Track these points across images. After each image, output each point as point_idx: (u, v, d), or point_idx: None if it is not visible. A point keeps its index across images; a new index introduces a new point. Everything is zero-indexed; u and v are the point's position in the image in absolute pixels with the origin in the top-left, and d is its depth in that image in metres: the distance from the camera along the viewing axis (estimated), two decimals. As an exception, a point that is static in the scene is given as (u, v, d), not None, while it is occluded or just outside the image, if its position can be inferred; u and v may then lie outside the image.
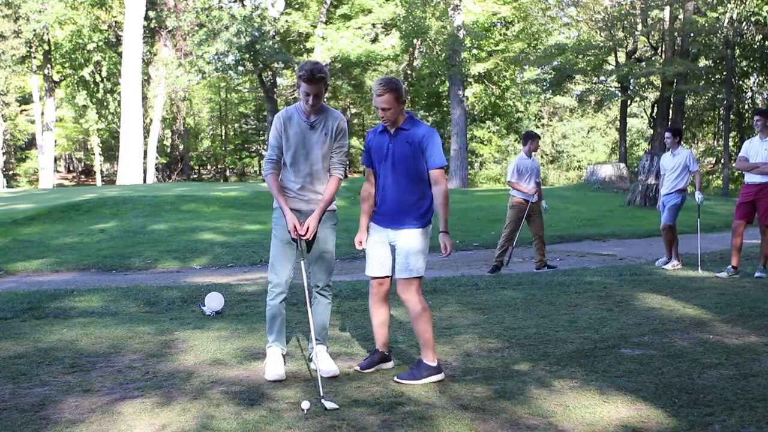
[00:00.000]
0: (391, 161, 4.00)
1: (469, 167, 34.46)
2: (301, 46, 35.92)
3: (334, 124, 4.09)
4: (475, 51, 31.10)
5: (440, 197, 3.95)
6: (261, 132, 45.09)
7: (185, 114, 42.60)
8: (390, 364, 4.20)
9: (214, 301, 5.93)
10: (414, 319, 4.03)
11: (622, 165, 25.05)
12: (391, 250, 4.10)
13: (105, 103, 35.89)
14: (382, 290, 4.14)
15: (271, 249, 4.20)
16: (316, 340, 4.19)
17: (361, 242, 4.16)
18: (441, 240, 3.96)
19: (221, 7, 34.77)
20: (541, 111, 44.76)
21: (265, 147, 35.91)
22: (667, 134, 8.85)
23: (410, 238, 3.98)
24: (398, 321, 5.58)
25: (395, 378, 3.95)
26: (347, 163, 4.29)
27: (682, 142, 8.91)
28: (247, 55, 32.96)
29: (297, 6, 35.61)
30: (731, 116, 31.07)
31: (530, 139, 8.98)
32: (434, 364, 3.94)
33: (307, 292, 4.13)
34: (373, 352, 4.22)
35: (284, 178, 4.14)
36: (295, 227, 3.99)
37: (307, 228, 4.01)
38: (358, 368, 4.10)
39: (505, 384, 3.86)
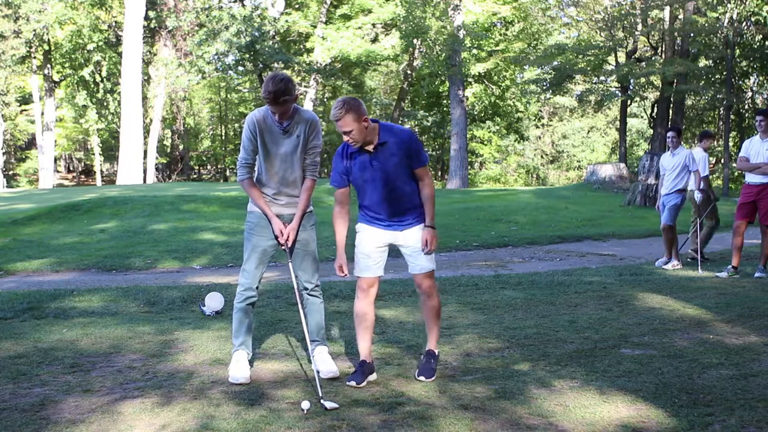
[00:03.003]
0: (382, 176, 3.87)
1: (469, 167, 34.46)
2: (301, 46, 35.90)
3: (307, 126, 4.02)
4: (475, 51, 31.08)
5: (427, 191, 3.95)
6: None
7: (185, 114, 42.60)
8: (374, 376, 4.00)
9: (214, 301, 5.93)
10: (436, 312, 4.09)
11: (622, 165, 25.03)
12: (388, 253, 4.08)
13: (105, 103, 35.88)
14: (372, 292, 4.05)
15: (244, 253, 4.14)
16: (316, 341, 4.19)
17: (342, 269, 3.96)
18: (424, 235, 3.94)
19: (221, 7, 34.74)
20: (541, 111, 44.76)
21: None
22: (671, 133, 8.84)
23: (420, 234, 3.98)
24: (398, 321, 5.58)
25: (418, 377, 3.93)
26: (319, 163, 4.23)
27: (681, 142, 8.93)
28: (247, 55, 32.94)
29: (297, 6, 35.59)
30: (731, 116, 31.05)
31: (707, 137, 9.66)
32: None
33: (297, 295, 4.13)
34: (361, 364, 3.98)
35: (258, 181, 4.11)
36: (281, 232, 4.00)
37: (288, 236, 4.01)
38: (354, 384, 3.85)
39: (505, 384, 3.86)
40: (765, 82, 33.99)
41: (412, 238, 3.99)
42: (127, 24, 30.31)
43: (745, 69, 32.59)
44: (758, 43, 30.18)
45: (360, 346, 4.04)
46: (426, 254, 3.98)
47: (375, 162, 3.87)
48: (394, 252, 4.15)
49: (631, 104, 35.51)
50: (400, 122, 37.13)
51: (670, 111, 30.50)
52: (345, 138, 3.81)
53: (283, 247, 4.06)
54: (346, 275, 3.96)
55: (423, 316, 4.20)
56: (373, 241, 4.02)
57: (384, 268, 4.10)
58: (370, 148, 3.86)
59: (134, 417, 3.39)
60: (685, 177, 8.68)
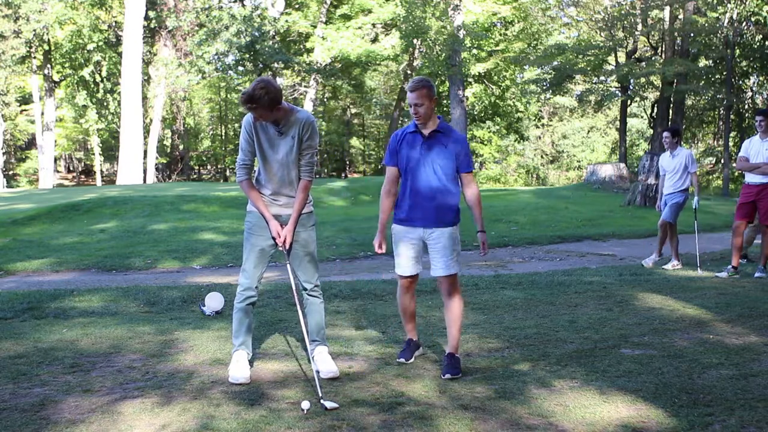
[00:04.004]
0: (429, 162, 4.11)
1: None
2: (301, 46, 35.92)
3: (301, 127, 4.00)
4: (475, 51, 31.07)
5: (475, 198, 4.19)
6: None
7: (185, 114, 42.56)
8: (421, 350, 4.51)
9: (214, 301, 5.93)
10: (458, 316, 4.24)
11: (622, 165, 25.02)
12: (423, 249, 4.25)
13: (105, 103, 35.85)
14: (413, 287, 4.36)
15: (244, 252, 4.15)
16: (316, 341, 4.19)
17: (381, 245, 4.26)
18: (480, 238, 4.21)
19: (221, 7, 34.74)
20: (541, 111, 44.74)
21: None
22: (665, 134, 8.78)
23: (450, 236, 4.17)
24: (399, 321, 5.57)
25: (445, 377, 3.99)
26: (316, 163, 4.23)
27: (681, 143, 8.86)
28: (247, 55, 32.95)
29: (297, 6, 35.60)
30: (731, 116, 31.05)
31: None
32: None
33: (296, 295, 4.13)
34: (408, 342, 4.43)
35: (257, 182, 4.12)
36: (278, 233, 4.00)
37: (284, 238, 4.00)
38: (403, 360, 4.28)
39: (505, 384, 3.86)
40: (765, 82, 33.98)
41: (443, 238, 4.15)
42: (127, 24, 30.30)
43: (745, 69, 32.58)
44: (758, 43, 30.16)
45: (406, 328, 4.48)
46: (482, 256, 4.29)
47: (426, 145, 4.13)
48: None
49: (631, 104, 35.49)
50: (399, 122, 37.15)
51: (670, 111, 30.49)
52: (412, 111, 4.08)
53: (281, 249, 4.06)
54: (383, 252, 4.27)
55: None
56: (409, 240, 4.21)
57: (422, 263, 4.30)
58: (426, 132, 4.14)
59: (134, 417, 3.39)
60: (687, 177, 8.61)
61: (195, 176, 44.92)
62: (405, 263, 4.25)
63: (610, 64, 31.31)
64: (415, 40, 30.86)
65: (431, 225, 4.15)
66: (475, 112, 39.25)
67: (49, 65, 35.26)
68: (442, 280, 4.20)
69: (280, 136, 4.00)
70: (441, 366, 4.18)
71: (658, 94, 31.14)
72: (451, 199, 4.16)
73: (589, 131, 44.66)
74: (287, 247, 4.03)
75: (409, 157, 4.15)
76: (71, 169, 47.28)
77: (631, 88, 30.87)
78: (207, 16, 32.82)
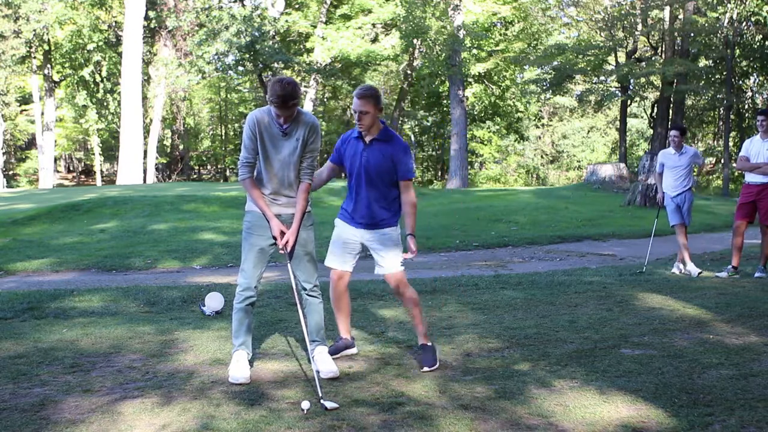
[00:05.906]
0: (365, 169, 4.22)
1: (469, 167, 34.44)
2: (301, 46, 35.89)
3: (307, 130, 4.02)
4: (475, 51, 31.07)
5: (409, 205, 4.28)
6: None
7: (185, 114, 42.57)
8: (354, 350, 4.49)
9: (214, 301, 5.93)
10: (414, 308, 4.34)
11: (622, 165, 25.02)
12: (360, 249, 4.40)
13: (105, 103, 35.85)
14: (343, 283, 4.45)
15: (242, 253, 4.15)
16: (316, 341, 4.20)
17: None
18: (409, 241, 4.24)
19: (221, 7, 34.72)
20: (541, 111, 44.74)
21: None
22: (674, 132, 8.64)
23: (390, 236, 4.30)
24: (398, 321, 5.58)
25: (423, 370, 4.12)
26: (316, 166, 4.25)
27: (684, 143, 8.79)
28: (247, 55, 32.91)
29: (297, 6, 35.57)
30: (731, 116, 31.05)
31: None
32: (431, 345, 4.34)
33: (296, 295, 4.13)
34: (338, 339, 4.47)
35: (258, 181, 4.12)
36: (281, 233, 4.00)
37: (287, 241, 4.01)
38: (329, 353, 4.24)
39: (505, 384, 3.86)
40: (765, 82, 33.99)
41: (383, 239, 4.28)
42: (127, 24, 30.30)
43: (745, 69, 32.59)
44: (758, 43, 30.17)
45: (339, 325, 4.52)
46: (411, 259, 4.30)
47: (365, 153, 4.23)
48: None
49: (631, 104, 35.51)
50: (400, 122, 37.13)
51: (670, 111, 30.51)
52: (355, 117, 4.18)
53: (281, 251, 4.05)
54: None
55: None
56: (345, 236, 4.36)
57: (353, 266, 4.46)
58: (368, 140, 4.23)
59: (134, 417, 3.39)
60: (691, 176, 8.52)
61: (195, 176, 44.94)
62: (336, 256, 4.41)
63: (610, 64, 31.32)
64: (415, 40, 30.85)
65: (370, 227, 4.29)
66: (475, 112, 39.23)
67: (49, 65, 35.26)
68: (388, 278, 4.33)
69: (284, 137, 4.00)
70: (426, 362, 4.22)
71: (658, 94, 31.16)
72: (388, 204, 4.28)
73: (589, 131, 44.69)
74: (289, 248, 4.03)
75: (352, 161, 4.29)
76: (71, 169, 47.29)
77: (631, 88, 30.88)
78: (207, 16, 32.80)
